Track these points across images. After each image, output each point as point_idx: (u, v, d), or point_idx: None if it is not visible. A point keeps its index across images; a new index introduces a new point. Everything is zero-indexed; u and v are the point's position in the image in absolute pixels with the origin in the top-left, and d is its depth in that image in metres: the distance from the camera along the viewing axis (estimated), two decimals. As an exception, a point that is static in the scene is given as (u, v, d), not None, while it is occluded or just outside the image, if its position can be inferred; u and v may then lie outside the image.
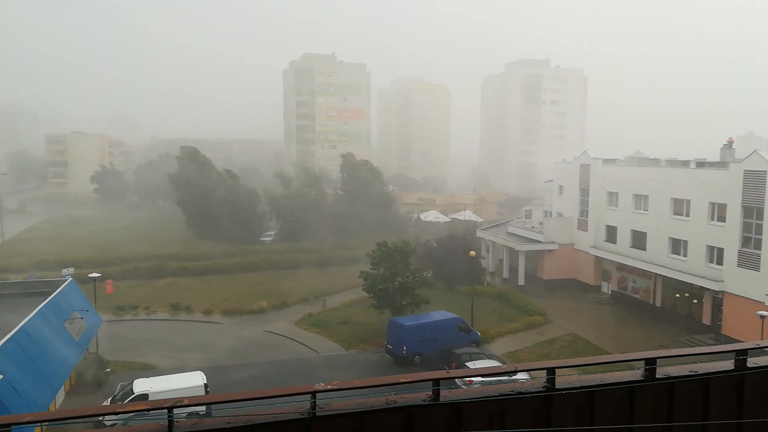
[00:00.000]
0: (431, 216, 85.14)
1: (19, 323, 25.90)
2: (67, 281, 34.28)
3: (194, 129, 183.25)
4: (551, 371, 5.32)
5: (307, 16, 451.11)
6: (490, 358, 33.22)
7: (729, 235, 37.51)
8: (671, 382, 5.53)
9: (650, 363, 5.55)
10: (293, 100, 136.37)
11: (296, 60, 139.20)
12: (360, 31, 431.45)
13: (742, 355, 5.79)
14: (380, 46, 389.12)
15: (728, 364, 5.81)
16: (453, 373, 5.46)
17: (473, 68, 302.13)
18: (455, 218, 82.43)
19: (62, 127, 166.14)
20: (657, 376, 5.53)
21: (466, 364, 31.66)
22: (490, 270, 59.05)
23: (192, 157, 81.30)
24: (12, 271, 55.09)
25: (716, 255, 38.94)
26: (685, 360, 5.99)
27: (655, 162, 49.38)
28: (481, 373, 5.92)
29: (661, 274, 43.46)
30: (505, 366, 5.94)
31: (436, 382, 5.02)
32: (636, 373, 5.59)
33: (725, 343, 37.33)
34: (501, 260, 58.82)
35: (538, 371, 5.49)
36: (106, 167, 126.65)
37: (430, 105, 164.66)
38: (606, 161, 51.70)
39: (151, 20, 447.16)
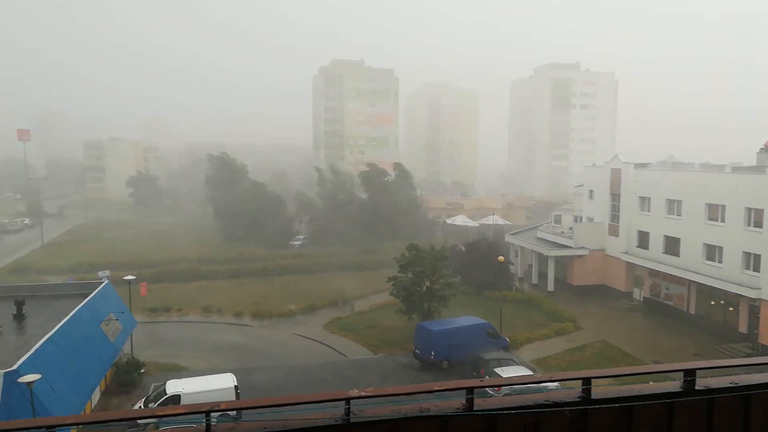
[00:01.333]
0: (459, 220, 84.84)
1: (57, 324, 26.69)
2: (104, 283, 35.17)
3: (225, 135, 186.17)
4: (587, 381, 5.20)
5: (336, 24, 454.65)
6: (519, 365, 32.96)
7: (766, 241, 36.54)
8: (711, 394, 5.35)
9: (689, 374, 5.39)
10: (322, 105, 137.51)
11: (325, 66, 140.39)
12: (388, 37, 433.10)
13: None
14: (408, 52, 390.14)
15: None
16: (487, 381, 5.48)
17: (501, 72, 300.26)
18: (483, 223, 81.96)
19: (99, 133, 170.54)
20: (696, 388, 5.36)
21: (495, 370, 31.47)
22: (519, 275, 58.55)
23: (224, 162, 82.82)
24: (51, 272, 56.87)
25: (753, 261, 37.92)
26: (725, 371, 5.82)
27: (689, 166, 48.46)
28: (515, 382, 5.86)
29: (695, 281, 42.52)
30: (539, 375, 5.90)
31: (470, 390, 4.95)
32: (675, 385, 5.44)
33: (763, 352, 36.32)
34: (530, 265, 58.28)
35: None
36: (141, 172, 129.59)
37: (459, 109, 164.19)
38: (638, 165, 50.82)
39: (182, 31, 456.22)
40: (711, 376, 5.62)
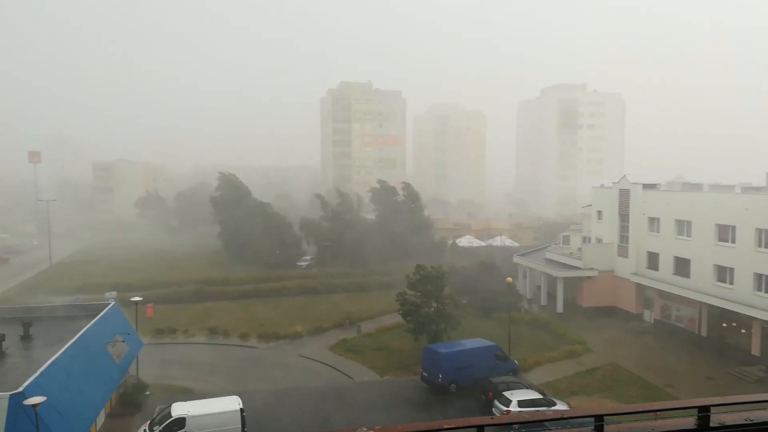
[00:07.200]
0: (465, 241, 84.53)
1: (63, 346, 26.60)
2: (110, 305, 35.14)
3: (235, 157, 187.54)
4: (599, 418, 5.14)
5: (345, 47, 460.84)
6: (528, 388, 32.51)
7: (778, 263, 36.12)
8: (726, 431, 5.28)
9: (703, 411, 5.33)
10: (330, 127, 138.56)
11: (334, 88, 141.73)
12: (395, 60, 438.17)
13: None
14: (416, 75, 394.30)
15: None
16: (497, 419, 5.41)
17: (508, 94, 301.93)
18: (491, 244, 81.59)
19: (109, 156, 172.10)
20: (711, 425, 5.29)
21: (504, 393, 31.07)
22: (528, 297, 58.07)
23: (231, 183, 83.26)
24: (58, 293, 56.82)
25: (765, 283, 37.46)
26: (740, 408, 5.64)
27: (698, 187, 48.19)
28: (525, 419, 5.84)
29: (706, 303, 42.01)
30: (550, 413, 5.84)
31: (480, 428, 4.87)
32: (689, 421, 5.36)
33: (777, 375, 35.65)
34: (538, 287, 57.83)
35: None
36: (150, 193, 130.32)
37: (466, 131, 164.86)
38: (646, 186, 50.63)
39: (195, 52, 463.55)
40: (725, 413, 5.54)
